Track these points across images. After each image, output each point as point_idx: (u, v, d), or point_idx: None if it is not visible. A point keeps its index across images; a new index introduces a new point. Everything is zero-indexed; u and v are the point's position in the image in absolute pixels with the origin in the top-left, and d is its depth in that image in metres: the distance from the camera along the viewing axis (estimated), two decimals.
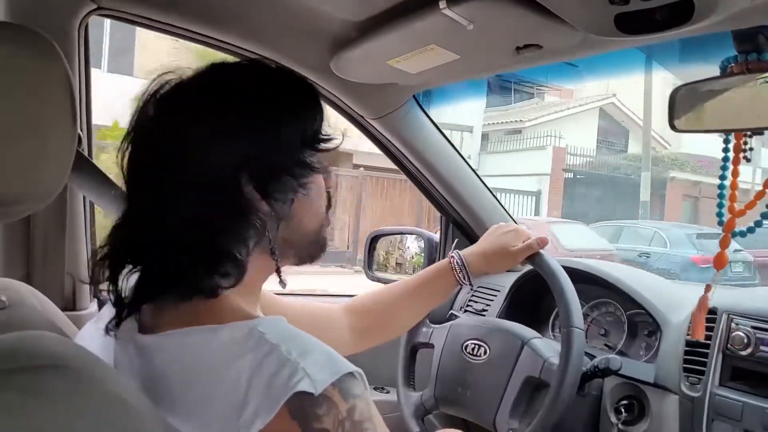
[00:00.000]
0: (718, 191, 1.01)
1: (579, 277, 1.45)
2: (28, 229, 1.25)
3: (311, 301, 1.21)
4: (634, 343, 1.43)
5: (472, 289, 1.70)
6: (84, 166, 1.16)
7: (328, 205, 0.86)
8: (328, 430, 0.62)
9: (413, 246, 2.01)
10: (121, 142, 0.76)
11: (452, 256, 1.25)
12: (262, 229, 0.74)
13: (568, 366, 1.15)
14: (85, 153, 1.28)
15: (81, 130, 1.28)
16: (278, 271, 0.80)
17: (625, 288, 1.40)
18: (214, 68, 0.78)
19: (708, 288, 1.09)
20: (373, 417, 0.66)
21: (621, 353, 1.41)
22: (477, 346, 1.33)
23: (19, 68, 0.72)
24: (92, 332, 0.82)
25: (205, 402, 0.65)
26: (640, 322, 1.43)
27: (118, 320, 0.75)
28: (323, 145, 0.79)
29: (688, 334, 1.21)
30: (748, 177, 12.25)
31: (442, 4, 0.96)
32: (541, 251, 1.25)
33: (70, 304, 1.33)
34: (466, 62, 1.18)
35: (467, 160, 1.72)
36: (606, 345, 1.47)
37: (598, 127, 18.94)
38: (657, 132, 16.73)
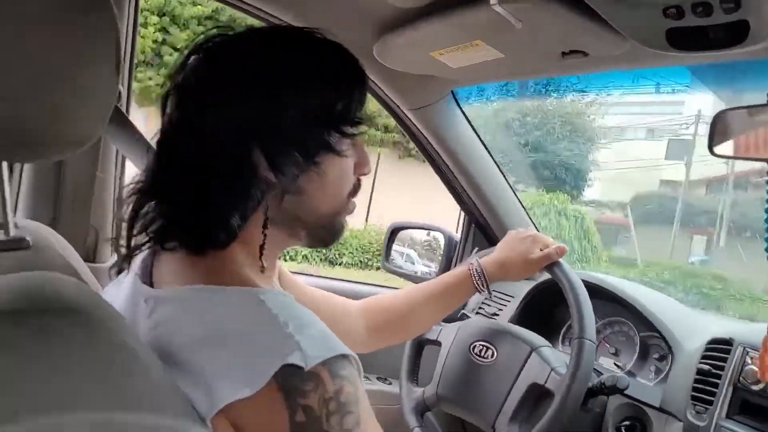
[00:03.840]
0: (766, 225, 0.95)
1: (595, 292, 1.44)
2: (59, 176, 1.27)
3: (331, 294, 1.21)
4: (644, 366, 1.41)
5: (492, 295, 1.70)
6: (121, 121, 1.17)
7: (353, 192, 0.83)
8: (312, 408, 0.62)
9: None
10: (163, 91, 0.76)
11: (471, 264, 1.25)
12: (261, 197, 0.73)
13: (575, 376, 1.14)
14: (124, 109, 1.29)
15: (122, 85, 1.29)
16: (261, 248, 0.77)
17: (641, 309, 1.38)
18: (262, 31, 0.78)
19: None
20: (360, 402, 0.65)
21: (630, 374, 1.40)
22: (485, 348, 1.32)
23: (68, 13, 0.73)
24: (113, 291, 0.83)
25: (200, 359, 0.65)
26: (652, 345, 1.41)
27: (128, 257, 0.77)
28: (348, 129, 0.76)
29: (701, 363, 1.19)
30: None
31: (493, 0, 0.95)
32: (560, 261, 1.24)
33: (91, 256, 1.35)
34: (509, 62, 1.17)
35: (499, 163, 1.71)
36: (615, 364, 1.46)
37: None
38: None
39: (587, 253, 9.32)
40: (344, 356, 0.65)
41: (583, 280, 1.27)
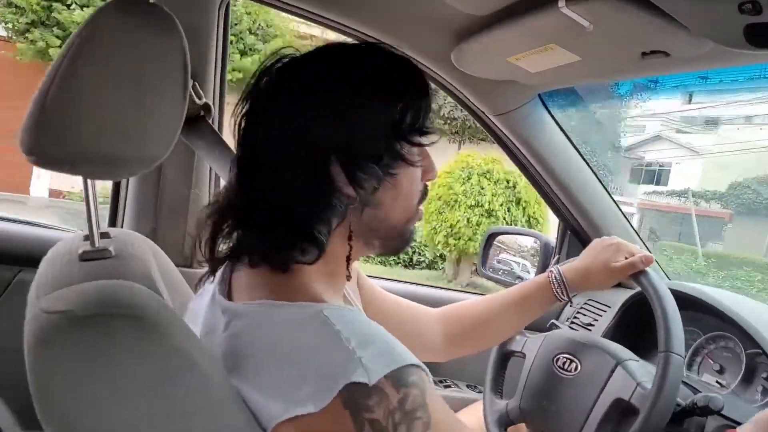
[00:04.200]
0: None
1: (695, 305, 1.35)
2: (158, 191, 1.37)
3: (407, 301, 1.22)
4: (750, 386, 1.30)
5: (573, 304, 1.64)
6: (209, 135, 1.24)
7: (422, 199, 0.85)
8: (379, 421, 0.62)
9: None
10: (235, 108, 0.79)
11: (551, 271, 1.21)
12: (344, 212, 0.75)
13: (660, 393, 1.07)
14: (215, 123, 1.37)
15: (213, 102, 1.37)
16: (348, 259, 0.80)
17: (743, 324, 1.28)
18: (328, 48, 0.79)
19: None
20: (428, 405, 0.65)
21: (734, 394, 1.30)
22: (568, 361, 1.27)
23: (140, 40, 0.79)
24: (200, 299, 0.88)
25: (266, 373, 0.68)
26: (760, 363, 1.30)
27: (211, 272, 0.82)
28: (418, 139, 0.78)
29: None
30: None
31: (560, 3, 0.92)
32: (647, 269, 1.16)
33: (188, 262, 1.44)
34: (587, 64, 1.12)
35: (593, 166, 1.65)
36: (718, 382, 1.35)
37: None
38: None
39: (517, 225, 7.82)
40: (408, 366, 0.65)
41: (682, 292, 1.20)
